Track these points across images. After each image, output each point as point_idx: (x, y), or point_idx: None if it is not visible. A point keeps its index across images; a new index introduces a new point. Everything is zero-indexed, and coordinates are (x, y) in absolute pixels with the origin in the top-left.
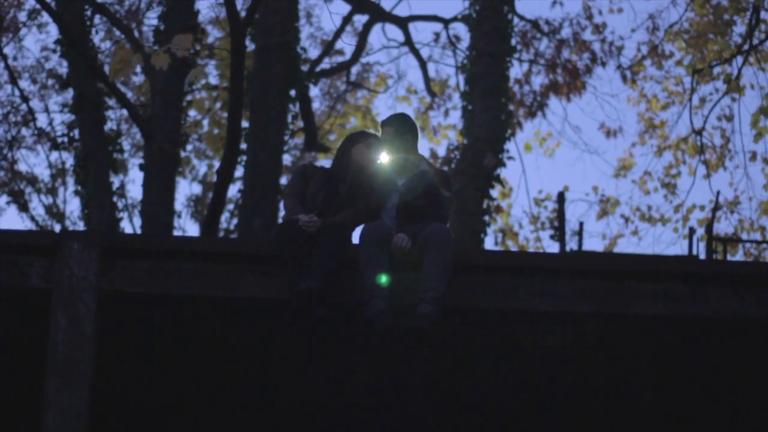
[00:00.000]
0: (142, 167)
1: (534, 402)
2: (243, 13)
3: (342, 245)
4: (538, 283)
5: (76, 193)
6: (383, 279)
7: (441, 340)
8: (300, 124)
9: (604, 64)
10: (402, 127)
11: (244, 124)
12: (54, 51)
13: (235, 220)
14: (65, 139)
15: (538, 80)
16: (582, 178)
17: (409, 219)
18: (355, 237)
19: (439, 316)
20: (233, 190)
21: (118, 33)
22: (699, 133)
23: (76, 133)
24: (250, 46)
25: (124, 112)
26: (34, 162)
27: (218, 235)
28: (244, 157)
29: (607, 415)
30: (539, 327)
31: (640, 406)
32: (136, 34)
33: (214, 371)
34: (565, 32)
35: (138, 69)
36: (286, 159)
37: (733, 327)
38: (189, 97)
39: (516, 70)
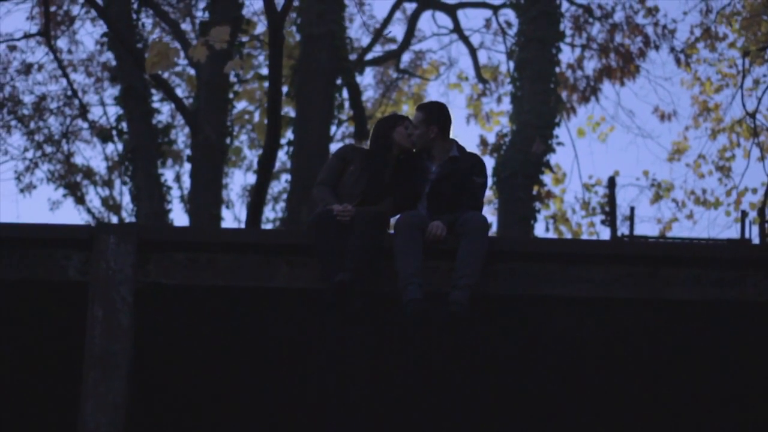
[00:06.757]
0: (189, 159)
1: (570, 389)
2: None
3: (377, 235)
4: (573, 269)
5: (124, 183)
6: None
7: (475, 327)
8: (350, 112)
9: (657, 48)
10: (431, 116)
11: (292, 114)
12: (102, 44)
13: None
14: (114, 132)
15: (591, 65)
16: (635, 162)
17: (442, 207)
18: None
19: (473, 302)
20: (283, 181)
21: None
22: (752, 115)
23: (125, 125)
24: (297, 36)
25: None
26: (91, 154)
27: (261, 223)
28: (292, 148)
29: (644, 401)
30: (575, 314)
31: (676, 392)
32: (188, 26)
33: (249, 362)
34: (618, 16)
35: (184, 61)
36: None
37: None
38: (239, 88)
39: (568, 55)
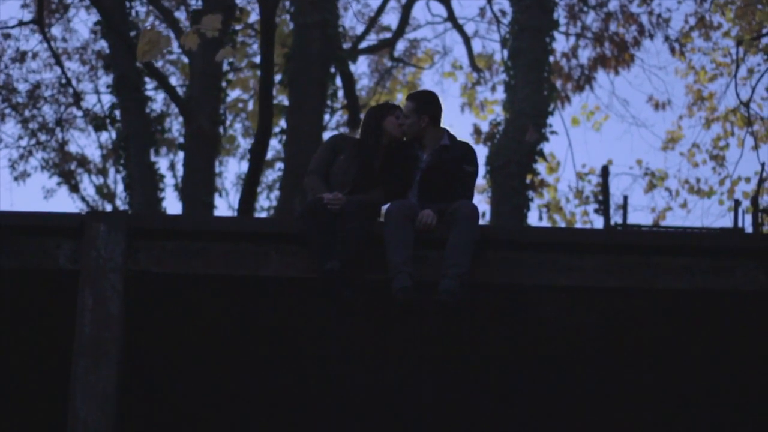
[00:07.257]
0: (181, 147)
1: (561, 377)
2: None
3: (367, 223)
4: (566, 258)
5: (118, 172)
6: None
7: (467, 316)
8: (344, 101)
9: (651, 37)
10: (421, 106)
11: (285, 102)
12: (96, 33)
13: None
14: (108, 120)
15: (586, 54)
16: (629, 151)
17: (433, 196)
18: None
19: (463, 291)
20: (277, 169)
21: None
22: (746, 104)
23: (118, 113)
24: (290, 24)
25: None
26: (85, 143)
27: (254, 212)
28: (285, 136)
29: (636, 389)
30: (564, 303)
31: (668, 380)
32: (182, 15)
33: (240, 350)
34: (613, 5)
35: (179, 49)
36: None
37: (758, 300)
38: (233, 76)
39: (563, 44)
